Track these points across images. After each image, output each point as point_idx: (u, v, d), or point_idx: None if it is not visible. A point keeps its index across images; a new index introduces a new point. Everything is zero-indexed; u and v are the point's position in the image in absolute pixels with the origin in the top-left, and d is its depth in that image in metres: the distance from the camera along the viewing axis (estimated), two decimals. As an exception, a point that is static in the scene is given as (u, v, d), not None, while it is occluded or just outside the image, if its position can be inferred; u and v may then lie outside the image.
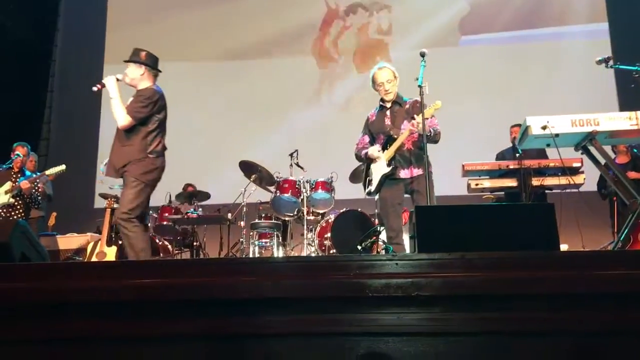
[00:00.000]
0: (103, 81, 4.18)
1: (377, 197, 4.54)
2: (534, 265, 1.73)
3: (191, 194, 6.48)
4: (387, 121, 4.38)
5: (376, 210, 5.55)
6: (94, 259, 5.92)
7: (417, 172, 4.21)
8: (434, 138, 4.23)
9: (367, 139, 4.52)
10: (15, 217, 5.63)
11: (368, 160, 4.44)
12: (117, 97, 4.06)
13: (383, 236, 4.62)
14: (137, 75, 4.18)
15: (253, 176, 6.01)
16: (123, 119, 4.04)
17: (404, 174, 4.24)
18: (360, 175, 5.89)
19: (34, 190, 5.75)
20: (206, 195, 6.60)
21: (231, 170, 6.32)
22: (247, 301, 1.74)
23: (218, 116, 8.84)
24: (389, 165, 4.26)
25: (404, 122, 4.27)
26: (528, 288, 1.69)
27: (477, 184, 4.87)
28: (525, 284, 1.69)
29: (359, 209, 5.76)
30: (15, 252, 2.23)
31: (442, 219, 2.07)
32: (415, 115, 4.14)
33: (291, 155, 6.19)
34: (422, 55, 4.10)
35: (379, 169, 4.34)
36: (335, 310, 1.71)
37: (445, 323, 1.70)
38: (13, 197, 5.68)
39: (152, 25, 9.23)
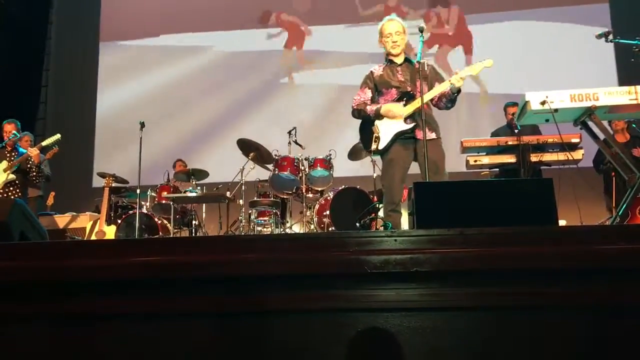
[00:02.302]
0: None
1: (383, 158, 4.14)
2: (532, 241, 1.73)
3: (189, 173, 6.48)
4: (400, 76, 4.08)
5: (379, 180, 5.52)
6: (93, 238, 5.94)
7: (431, 135, 3.96)
8: (455, 101, 4.06)
9: (369, 94, 4.19)
10: (13, 196, 5.61)
11: (374, 117, 4.08)
12: None
13: (382, 213, 4.58)
14: None
15: (251, 154, 6.00)
16: None
17: (419, 134, 3.91)
18: (359, 153, 5.90)
19: (35, 166, 5.69)
20: (205, 174, 6.60)
21: (229, 148, 6.31)
22: (246, 278, 1.75)
23: (214, 92, 8.79)
24: (408, 121, 3.95)
25: (417, 82, 3.91)
26: (527, 263, 1.70)
27: (475, 161, 4.86)
28: (524, 259, 1.70)
29: (358, 187, 5.77)
30: (15, 231, 2.23)
31: (441, 195, 2.07)
32: (457, 70, 3.94)
33: (289, 132, 6.17)
34: (421, 30, 4.03)
35: (391, 126, 4.01)
36: (334, 286, 1.72)
37: (444, 298, 1.71)
38: (13, 173, 5.63)
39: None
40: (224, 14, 8.98)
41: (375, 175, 5.76)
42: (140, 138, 5.79)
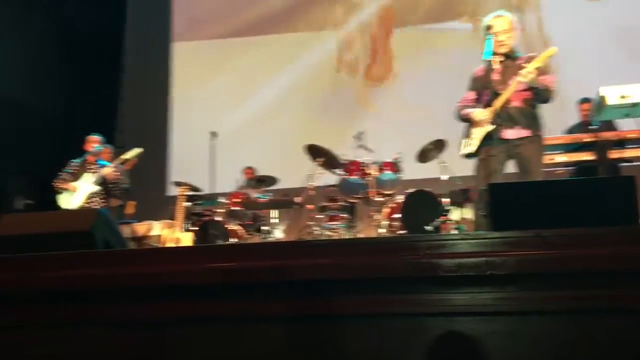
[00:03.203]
0: None
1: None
2: (612, 242, 1.66)
3: (259, 179, 6.60)
4: (496, 76, 3.90)
5: (449, 182, 5.43)
6: (169, 245, 6.15)
7: (523, 133, 3.79)
8: (544, 95, 3.80)
9: (472, 95, 4.07)
10: (96, 206, 5.89)
11: (469, 121, 3.99)
12: None
13: (454, 216, 4.49)
14: None
15: (320, 159, 6.04)
16: None
17: (508, 134, 3.80)
18: (428, 154, 5.84)
19: (114, 180, 5.96)
20: (274, 180, 6.70)
21: (298, 154, 6.38)
22: (318, 282, 1.77)
23: (284, 97, 8.92)
24: (492, 122, 3.82)
25: (512, 77, 3.79)
26: (606, 265, 1.63)
27: (551, 159, 4.68)
28: (603, 261, 1.63)
29: (428, 189, 5.70)
30: (98, 240, 2.34)
31: (517, 196, 2.02)
32: (524, 64, 3.72)
33: (357, 136, 6.18)
34: (488, 28, 3.94)
35: (479, 128, 3.92)
36: (407, 290, 1.72)
37: (522, 302, 1.67)
38: (97, 184, 5.92)
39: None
40: (298, 15, 9.10)
41: (445, 177, 5.68)
42: (213, 147, 5.94)
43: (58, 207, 5.88)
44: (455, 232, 4.94)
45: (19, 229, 2.45)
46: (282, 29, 9.12)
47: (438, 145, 5.72)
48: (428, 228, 4.77)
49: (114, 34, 9.50)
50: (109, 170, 5.90)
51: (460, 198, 5.71)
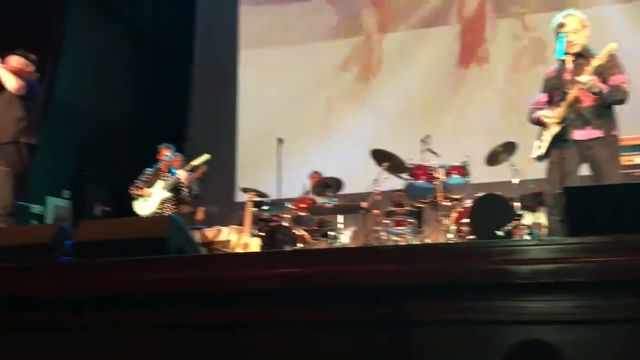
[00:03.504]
0: None
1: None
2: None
3: (325, 184, 6.62)
4: (567, 76, 3.76)
5: (520, 186, 5.24)
6: (238, 250, 6.27)
7: (595, 134, 3.66)
8: (613, 97, 3.64)
9: (544, 97, 3.99)
10: (168, 212, 6.09)
11: (540, 123, 3.91)
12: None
13: (526, 220, 4.35)
14: (24, 66, 4.52)
15: (385, 164, 6.00)
16: (16, 81, 4.27)
17: (578, 135, 3.68)
18: (497, 157, 5.69)
19: (185, 186, 6.14)
20: (340, 184, 6.71)
21: (363, 158, 6.36)
22: (387, 288, 1.75)
23: (348, 102, 8.93)
24: (559, 123, 3.71)
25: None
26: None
27: (630, 160, 4.46)
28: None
29: (498, 193, 5.55)
30: (172, 246, 2.41)
31: (594, 200, 1.93)
32: (587, 66, 3.59)
33: (423, 140, 6.11)
34: (560, 26, 3.81)
35: (549, 130, 3.82)
36: (479, 298, 1.67)
37: (602, 310, 1.59)
38: (169, 191, 6.12)
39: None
40: (352, 21, 9.11)
41: (516, 180, 5.51)
42: (279, 153, 6.00)
43: (133, 214, 6.11)
44: (528, 237, 4.78)
45: (97, 235, 2.55)
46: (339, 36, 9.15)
47: (508, 148, 5.57)
48: (499, 233, 4.63)
49: (184, 43, 9.81)
50: (184, 173, 6.09)
51: (532, 202, 5.52)
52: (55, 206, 7.58)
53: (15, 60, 4.45)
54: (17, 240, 2.65)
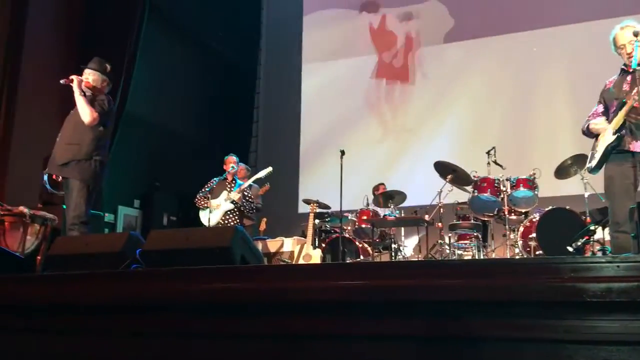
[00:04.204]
0: (72, 77, 4.50)
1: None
2: None
3: (388, 196, 6.58)
4: (626, 86, 3.67)
5: (592, 200, 5.03)
6: (300, 261, 6.31)
7: None
8: None
9: (600, 108, 3.89)
10: (232, 223, 6.20)
11: (593, 134, 3.82)
12: (80, 94, 4.43)
13: (599, 235, 4.17)
14: (99, 83, 4.62)
15: (449, 176, 5.92)
16: (90, 115, 4.37)
17: (635, 146, 3.55)
18: (567, 170, 5.51)
19: (244, 201, 6.24)
20: (403, 197, 6.65)
21: (427, 170, 6.30)
22: (450, 303, 1.72)
23: (406, 114, 8.88)
24: (614, 133, 3.58)
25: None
26: None
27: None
28: None
29: (567, 207, 5.35)
30: (236, 256, 2.46)
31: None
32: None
33: (488, 153, 5.98)
34: (636, 34, 3.66)
35: (604, 140, 3.69)
36: (549, 315, 1.61)
37: (680, 332, 1.50)
38: (231, 202, 6.24)
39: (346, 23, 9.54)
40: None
41: (587, 194, 5.30)
42: (341, 165, 6.02)
43: (199, 223, 6.26)
44: (600, 254, 4.58)
45: (165, 244, 2.64)
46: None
47: (578, 161, 5.37)
48: (569, 249, 4.46)
49: (249, 59, 10.06)
50: (237, 195, 6.16)
51: (604, 217, 5.29)
52: (125, 215, 7.89)
53: (91, 76, 4.67)
54: (91, 248, 2.78)
